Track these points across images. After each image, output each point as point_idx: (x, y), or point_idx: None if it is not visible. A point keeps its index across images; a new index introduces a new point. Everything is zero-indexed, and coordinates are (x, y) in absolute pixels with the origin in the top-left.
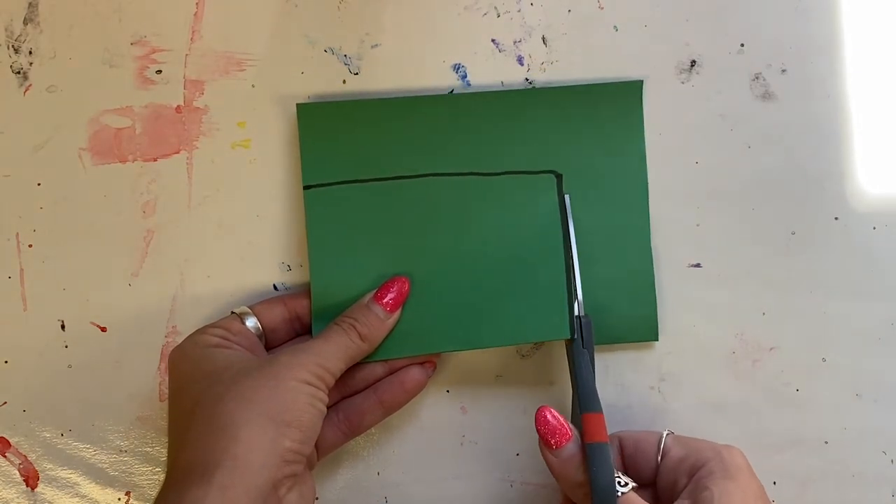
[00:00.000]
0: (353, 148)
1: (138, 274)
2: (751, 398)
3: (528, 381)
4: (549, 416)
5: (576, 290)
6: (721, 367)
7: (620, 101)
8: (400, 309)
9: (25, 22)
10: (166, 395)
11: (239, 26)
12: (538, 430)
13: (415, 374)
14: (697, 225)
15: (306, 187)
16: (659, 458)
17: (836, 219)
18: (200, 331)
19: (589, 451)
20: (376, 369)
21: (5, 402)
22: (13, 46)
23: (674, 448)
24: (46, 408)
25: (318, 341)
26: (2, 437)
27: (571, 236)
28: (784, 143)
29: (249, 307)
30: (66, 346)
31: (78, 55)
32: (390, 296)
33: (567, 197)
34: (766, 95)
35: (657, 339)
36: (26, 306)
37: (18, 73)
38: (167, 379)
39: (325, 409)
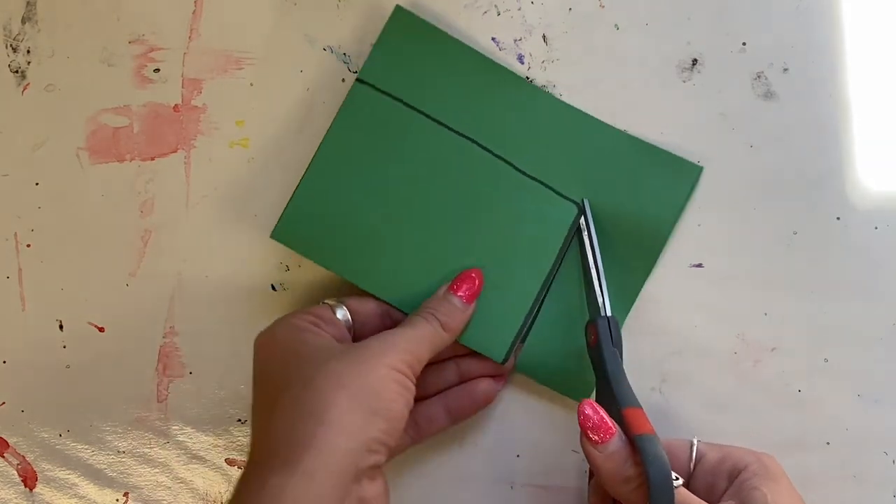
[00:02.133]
0: (421, 74)
1: (136, 274)
2: (752, 399)
3: (528, 381)
4: (590, 412)
5: (602, 288)
6: (722, 368)
7: (674, 175)
8: (475, 301)
9: (24, 21)
10: (164, 396)
11: (237, 25)
12: (582, 426)
13: (485, 386)
14: (699, 225)
15: (360, 80)
16: (692, 462)
17: (838, 219)
18: (290, 315)
19: (641, 444)
20: (448, 375)
21: (3, 403)
22: (11, 45)
23: (709, 452)
24: (45, 408)
25: (405, 328)
26: (0, 438)
27: (595, 245)
28: (785, 143)
29: (341, 300)
30: (65, 347)
31: (76, 54)
32: (465, 287)
33: (586, 202)
34: (768, 95)
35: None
36: (24, 306)
37: (17, 72)
38: (164, 379)
39: (412, 400)
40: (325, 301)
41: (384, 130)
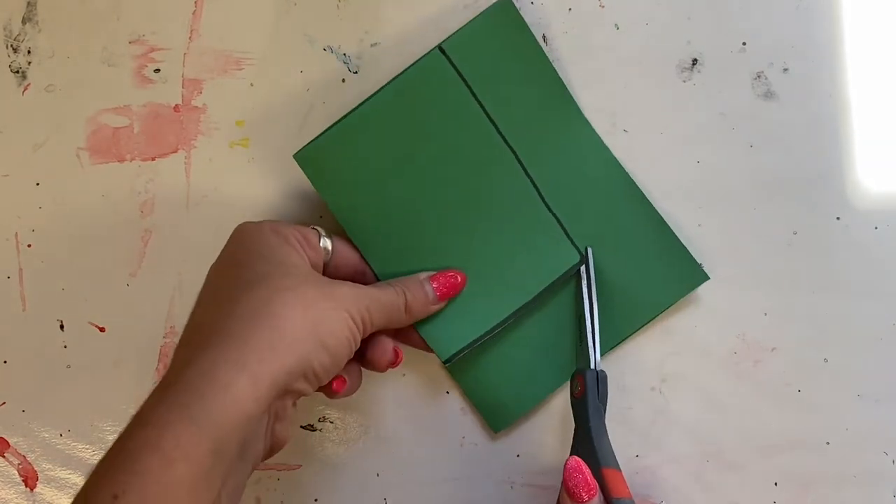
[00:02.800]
0: (497, 70)
1: (137, 274)
2: (752, 399)
3: None
4: (580, 468)
5: (595, 343)
6: (722, 368)
7: (681, 272)
8: (447, 301)
9: (24, 21)
10: None
11: (238, 25)
12: (568, 483)
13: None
14: (699, 225)
15: (441, 50)
16: None
17: (838, 218)
18: (280, 222)
19: None
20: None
21: (4, 403)
22: (12, 46)
23: None
24: (45, 408)
25: (374, 289)
26: (1, 438)
27: (593, 296)
28: (786, 143)
29: (330, 234)
30: (65, 346)
31: (76, 54)
32: (444, 284)
33: (590, 252)
34: (768, 94)
35: (708, 278)
36: (25, 306)
37: (17, 72)
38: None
39: (353, 351)
40: (316, 227)
41: (440, 107)
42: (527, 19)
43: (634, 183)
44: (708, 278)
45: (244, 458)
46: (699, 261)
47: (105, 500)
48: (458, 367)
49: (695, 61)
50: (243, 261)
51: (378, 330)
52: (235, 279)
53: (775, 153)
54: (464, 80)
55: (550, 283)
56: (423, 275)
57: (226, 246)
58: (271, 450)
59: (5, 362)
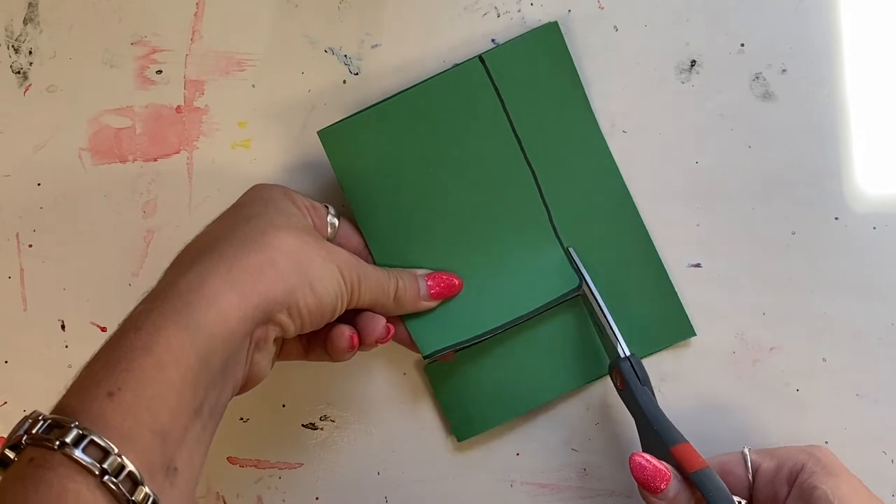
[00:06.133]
0: (530, 89)
1: (138, 274)
2: (751, 398)
3: None
4: (644, 462)
5: (614, 332)
6: (721, 368)
7: (669, 329)
8: (439, 301)
9: (25, 22)
10: None
11: (239, 26)
12: (638, 479)
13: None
14: (698, 225)
15: (480, 59)
16: (750, 475)
17: (837, 219)
18: (293, 191)
19: (699, 481)
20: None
21: (5, 402)
22: (13, 46)
23: (763, 461)
24: (46, 408)
25: (367, 265)
26: (1, 438)
27: (599, 300)
28: (784, 143)
29: (340, 215)
30: (67, 346)
31: (78, 55)
32: (440, 285)
33: (573, 251)
34: (767, 95)
35: (695, 334)
36: (26, 306)
37: (18, 72)
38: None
39: (338, 311)
40: (327, 204)
41: (469, 113)
42: (527, 21)
43: (646, 229)
44: (695, 335)
45: (226, 375)
46: (698, 260)
47: (100, 395)
48: (436, 372)
49: (693, 63)
50: (246, 204)
51: (367, 308)
52: (234, 216)
53: (774, 154)
54: (497, 92)
55: (544, 305)
56: (421, 271)
57: (236, 202)
58: (248, 381)
59: (6, 362)
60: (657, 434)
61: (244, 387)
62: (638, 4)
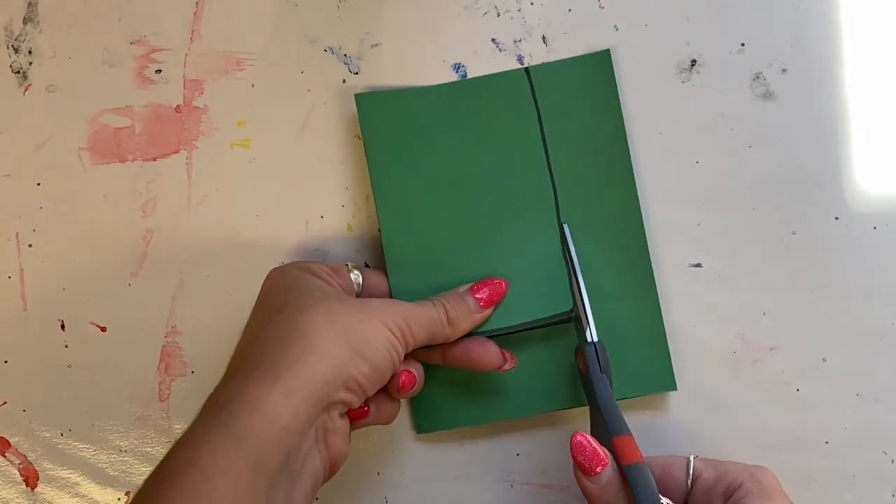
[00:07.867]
0: (568, 111)
1: (138, 274)
2: (751, 398)
3: None
4: (585, 443)
5: (587, 317)
6: (721, 367)
7: (653, 372)
8: (492, 308)
9: (25, 21)
10: (166, 395)
11: (239, 26)
12: (575, 458)
13: (488, 348)
14: (698, 225)
15: (526, 70)
16: (689, 481)
17: (837, 218)
18: (308, 261)
19: (630, 474)
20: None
21: (5, 402)
22: (13, 46)
23: (705, 471)
24: (46, 408)
25: (410, 303)
26: (1, 437)
27: (576, 266)
28: (785, 143)
29: (360, 267)
30: (66, 346)
31: (77, 55)
32: (485, 291)
33: (566, 227)
34: (767, 95)
35: (675, 389)
36: (26, 306)
37: (18, 72)
38: (166, 378)
39: (398, 364)
40: (347, 264)
41: (505, 119)
42: (527, 20)
43: (652, 274)
44: (675, 389)
45: (291, 470)
46: (698, 260)
47: None
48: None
49: (694, 62)
50: (270, 297)
51: (426, 345)
52: (263, 313)
53: (774, 153)
54: (536, 105)
55: (532, 321)
56: (462, 287)
57: (259, 293)
58: (332, 463)
59: (6, 362)
60: (604, 421)
61: (331, 470)
62: (638, 4)
